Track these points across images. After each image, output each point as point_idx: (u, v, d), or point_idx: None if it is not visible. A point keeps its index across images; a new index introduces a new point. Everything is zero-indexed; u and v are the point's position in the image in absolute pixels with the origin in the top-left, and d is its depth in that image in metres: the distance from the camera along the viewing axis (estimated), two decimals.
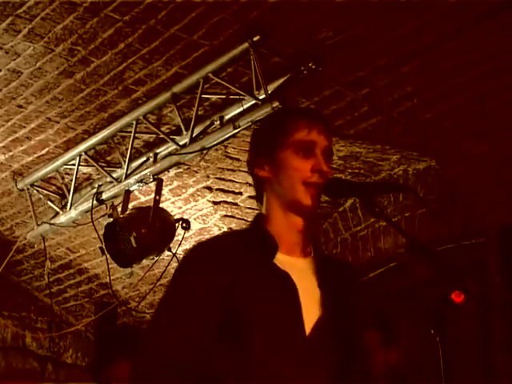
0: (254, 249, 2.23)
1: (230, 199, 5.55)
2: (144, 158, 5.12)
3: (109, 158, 5.33)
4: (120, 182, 5.11)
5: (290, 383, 2.12)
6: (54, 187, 5.71)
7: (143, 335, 2.25)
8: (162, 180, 4.88)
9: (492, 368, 4.65)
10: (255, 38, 4.10)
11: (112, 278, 5.49)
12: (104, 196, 5.25)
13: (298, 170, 2.24)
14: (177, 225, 4.84)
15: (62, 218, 5.56)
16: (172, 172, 5.21)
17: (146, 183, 5.00)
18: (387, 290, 4.97)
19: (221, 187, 5.45)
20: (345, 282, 2.29)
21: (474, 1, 3.74)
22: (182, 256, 5.68)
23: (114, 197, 5.21)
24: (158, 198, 4.79)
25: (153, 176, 4.91)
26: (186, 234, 5.06)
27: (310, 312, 2.19)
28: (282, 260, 2.23)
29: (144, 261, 4.89)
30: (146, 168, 4.96)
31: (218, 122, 4.63)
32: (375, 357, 3.72)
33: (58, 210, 5.67)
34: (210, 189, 5.47)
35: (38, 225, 5.76)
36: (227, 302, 2.15)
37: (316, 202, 2.24)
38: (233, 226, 5.76)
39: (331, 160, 2.30)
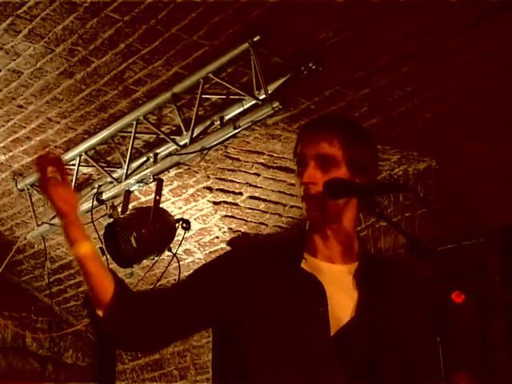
0: (284, 253, 2.27)
1: (230, 199, 5.55)
2: (144, 158, 5.12)
3: (109, 158, 5.33)
4: (120, 182, 5.11)
5: (309, 382, 2.12)
6: None
7: None
8: (162, 180, 4.88)
9: (492, 368, 4.64)
10: (255, 38, 4.10)
11: None
12: (104, 196, 5.25)
13: (297, 184, 2.28)
14: (177, 225, 4.84)
15: None
16: (172, 172, 5.21)
17: (147, 183, 5.00)
18: None
19: (221, 187, 5.45)
20: (401, 289, 2.28)
21: (473, 0, 3.74)
22: (182, 256, 5.69)
23: (114, 197, 5.21)
24: (158, 198, 4.79)
25: (153, 176, 4.91)
26: (187, 235, 5.07)
27: (340, 314, 2.18)
28: (311, 264, 2.24)
29: (144, 261, 4.89)
30: (147, 168, 4.96)
31: (219, 122, 4.62)
32: None
33: None
34: (210, 189, 5.46)
35: (38, 225, 5.76)
36: (243, 301, 2.20)
37: (313, 212, 2.23)
38: (233, 226, 5.76)
39: (330, 164, 2.23)
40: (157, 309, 2.24)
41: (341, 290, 2.21)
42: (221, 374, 2.27)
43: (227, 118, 4.59)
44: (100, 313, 2.21)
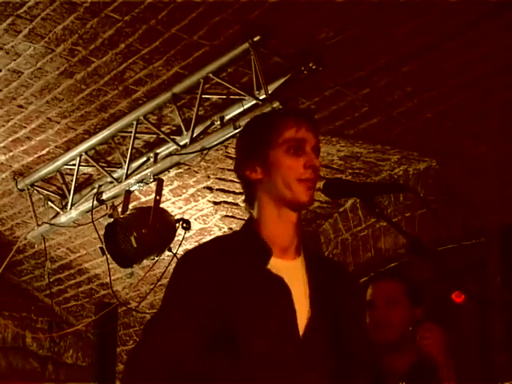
0: (247, 255, 2.24)
1: (230, 199, 5.55)
2: (144, 158, 5.13)
3: (109, 158, 5.33)
4: (120, 182, 5.11)
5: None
6: (54, 187, 5.71)
7: (140, 339, 2.29)
8: (162, 180, 4.89)
9: (492, 367, 4.65)
10: (255, 38, 4.10)
11: (112, 278, 5.49)
12: (104, 196, 5.25)
13: (290, 168, 2.26)
14: (177, 225, 4.84)
15: (63, 218, 5.56)
16: (172, 172, 5.21)
17: (147, 183, 5.00)
18: None
19: (221, 187, 5.45)
20: (336, 280, 2.30)
21: (473, 1, 3.74)
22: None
23: (115, 197, 5.21)
24: (158, 198, 4.79)
25: (153, 176, 4.91)
26: (187, 235, 5.06)
27: (302, 314, 2.20)
28: (275, 264, 2.24)
29: (144, 261, 4.89)
30: (147, 168, 4.96)
31: (219, 122, 4.63)
32: (398, 307, 3.62)
33: (58, 210, 5.67)
34: (210, 189, 5.47)
35: (39, 225, 5.76)
36: (221, 309, 2.16)
37: (311, 197, 2.26)
38: (233, 226, 5.77)
39: (319, 156, 2.32)
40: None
41: (299, 288, 2.23)
42: (204, 374, 2.24)
43: (227, 117, 4.59)
44: None
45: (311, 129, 2.30)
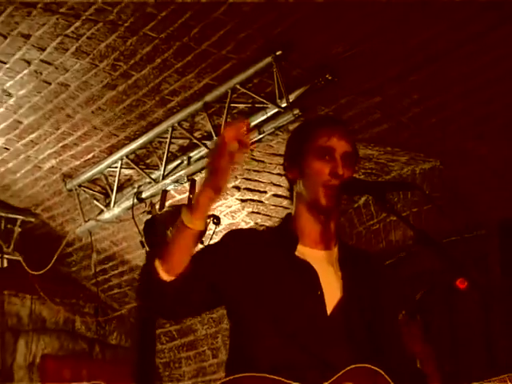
0: (278, 243, 2.26)
1: (255, 197, 5.55)
2: (179, 161, 5.13)
3: (148, 161, 5.34)
4: (158, 182, 5.13)
5: (313, 359, 2.11)
6: (99, 187, 5.73)
7: None
8: (195, 180, 4.89)
9: (493, 353, 4.60)
10: (278, 53, 4.11)
11: None
12: (143, 195, 5.27)
13: (318, 173, 2.25)
14: (208, 220, 4.85)
15: (107, 215, 5.59)
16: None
17: (181, 183, 5.02)
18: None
19: (248, 187, 5.45)
20: (370, 269, 2.29)
21: (477, 14, 3.71)
22: None
23: (153, 196, 5.22)
24: (191, 196, 4.80)
25: (187, 177, 4.92)
26: (217, 229, 5.07)
27: (332, 294, 2.19)
28: (303, 252, 2.25)
29: None
30: (181, 170, 4.97)
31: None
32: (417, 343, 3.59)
33: (102, 207, 5.69)
34: (238, 188, 5.47)
35: (86, 221, 5.79)
36: (243, 285, 2.18)
37: (333, 201, 2.24)
38: (259, 221, 5.76)
39: (353, 163, 2.31)
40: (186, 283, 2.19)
41: (329, 273, 2.23)
42: (228, 358, 2.24)
43: (253, 124, 4.58)
44: (165, 276, 2.13)
45: (343, 137, 2.29)
